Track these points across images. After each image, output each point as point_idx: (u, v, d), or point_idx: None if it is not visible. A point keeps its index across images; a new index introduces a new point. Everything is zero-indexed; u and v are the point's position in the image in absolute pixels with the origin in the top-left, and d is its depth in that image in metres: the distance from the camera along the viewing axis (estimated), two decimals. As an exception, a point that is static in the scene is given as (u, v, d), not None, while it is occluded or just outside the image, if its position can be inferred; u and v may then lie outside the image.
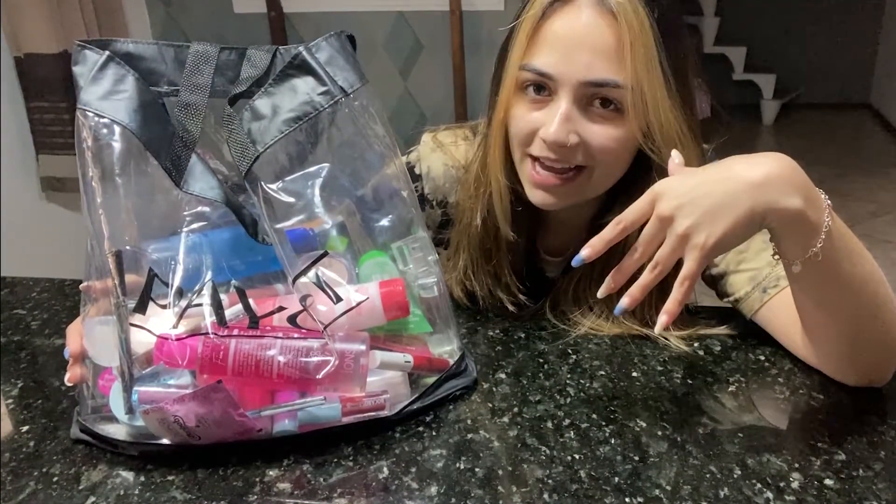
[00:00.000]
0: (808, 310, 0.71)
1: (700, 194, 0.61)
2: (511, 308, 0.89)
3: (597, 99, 0.74)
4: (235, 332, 0.64)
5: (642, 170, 0.79)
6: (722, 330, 0.83)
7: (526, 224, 0.88)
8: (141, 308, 0.64)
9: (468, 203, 0.88)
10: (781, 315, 0.77)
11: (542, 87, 0.75)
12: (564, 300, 0.89)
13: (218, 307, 0.64)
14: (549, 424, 0.68)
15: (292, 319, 0.65)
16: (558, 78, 0.73)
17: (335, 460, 0.65)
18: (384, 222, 0.74)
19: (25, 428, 0.71)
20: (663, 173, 0.77)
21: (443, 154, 0.92)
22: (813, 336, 0.73)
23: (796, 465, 0.62)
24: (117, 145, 0.65)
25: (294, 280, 0.66)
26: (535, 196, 0.80)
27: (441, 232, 0.95)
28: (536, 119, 0.76)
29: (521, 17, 0.76)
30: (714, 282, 0.85)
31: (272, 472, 0.63)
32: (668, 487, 0.60)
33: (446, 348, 0.75)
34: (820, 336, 0.72)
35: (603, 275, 0.86)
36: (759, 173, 0.61)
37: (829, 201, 0.63)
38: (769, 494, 0.59)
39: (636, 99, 0.72)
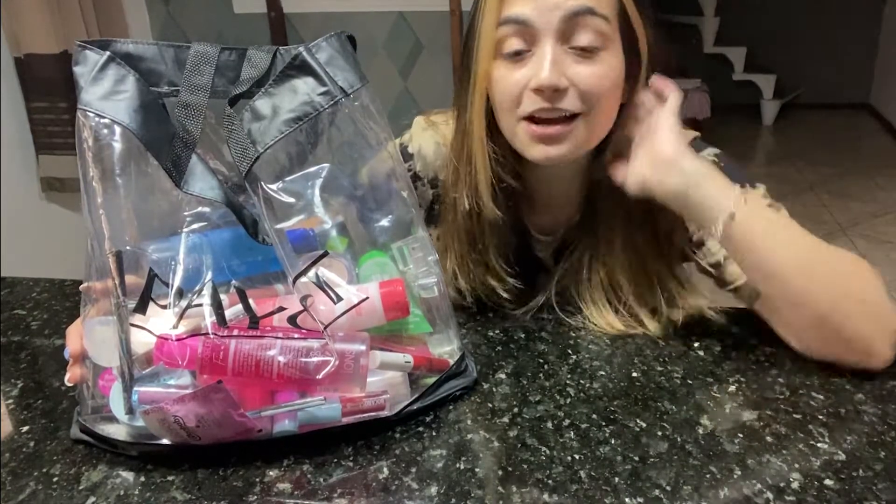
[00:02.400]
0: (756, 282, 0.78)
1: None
2: (504, 295, 0.88)
3: (577, 35, 0.74)
4: (235, 332, 0.64)
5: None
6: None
7: (510, 202, 0.87)
8: (141, 308, 0.64)
9: (451, 197, 0.88)
10: None
11: (520, 52, 0.76)
12: (567, 287, 0.89)
13: (218, 307, 0.64)
14: (549, 425, 0.68)
15: (292, 320, 0.65)
16: (537, 20, 0.74)
17: (335, 460, 0.65)
18: (384, 222, 0.74)
19: (25, 428, 0.71)
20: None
21: (434, 132, 0.93)
22: (779, 326, 0.78)
23: (796, 465, 0.62)
24: (118, 145, 0.65)
25: (294, 280, 0.66)
26: (538, 152, 0.79)
27: (431, 210, 0.95)
28: (522, 76, 0.76)
29: None
30: (713, 270, 0.85)
31: (272, 472, 0.63)
32: (668, 487, 0.60)
33: (446, 348, 0.75)
34: (786, 327, 0.77)
35: (606, 259, 0.86)
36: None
37: (750, 189, 0.72)
38: (769, 494, 0.59)
39: (614, 24, 0.76)
